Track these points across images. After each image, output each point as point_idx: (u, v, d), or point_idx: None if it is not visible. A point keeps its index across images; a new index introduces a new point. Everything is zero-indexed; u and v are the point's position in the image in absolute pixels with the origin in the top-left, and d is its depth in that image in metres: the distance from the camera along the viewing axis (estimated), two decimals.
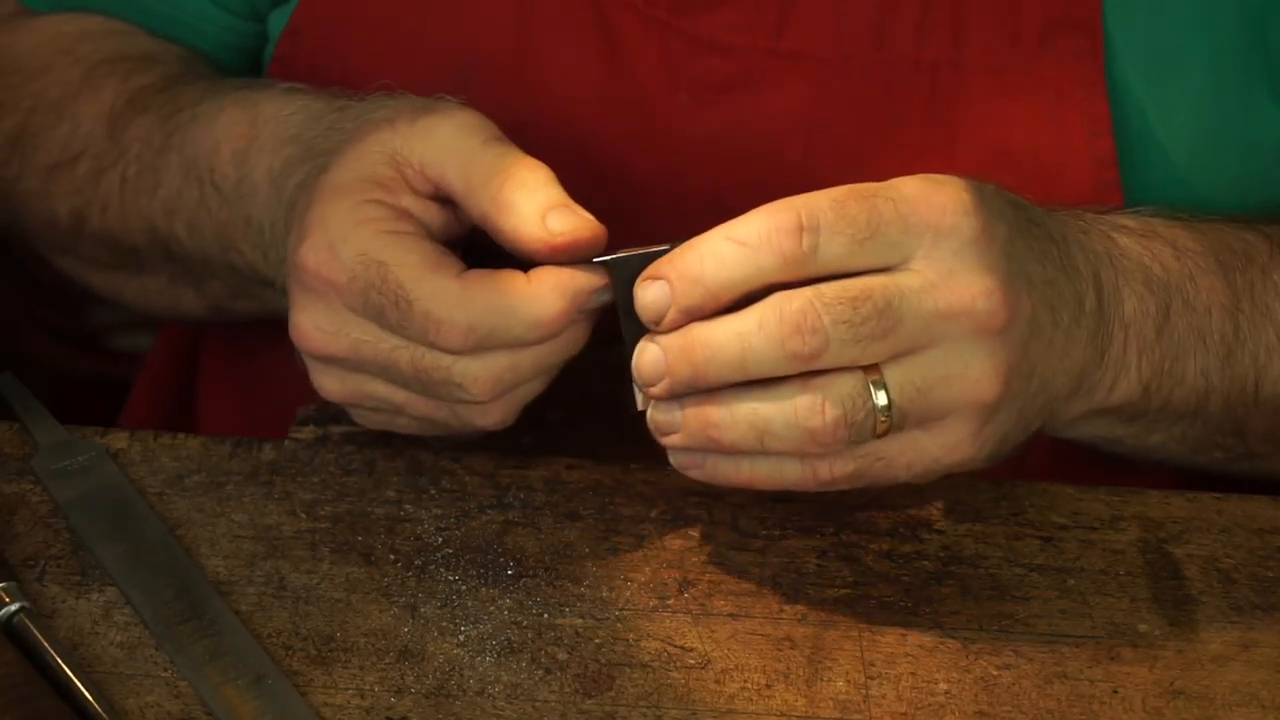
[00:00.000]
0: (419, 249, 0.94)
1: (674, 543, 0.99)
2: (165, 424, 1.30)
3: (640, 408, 0.94)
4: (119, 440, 1.03)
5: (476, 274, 0.94)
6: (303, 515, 1.00)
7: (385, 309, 0.93)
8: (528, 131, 1.03)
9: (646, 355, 0.92)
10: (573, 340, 0.96)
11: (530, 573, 0.97)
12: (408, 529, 0.99)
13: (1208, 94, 1.07)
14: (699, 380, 0.90)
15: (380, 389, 0.97)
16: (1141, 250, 1.01)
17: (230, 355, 1.28)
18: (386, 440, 1.05)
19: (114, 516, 0.98)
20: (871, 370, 0.90)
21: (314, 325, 0.95)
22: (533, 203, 0.93)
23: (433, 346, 0.93)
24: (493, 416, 0.97)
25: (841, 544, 0.99)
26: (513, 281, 0.93)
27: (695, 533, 1.00)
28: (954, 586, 0.97)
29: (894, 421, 0.90)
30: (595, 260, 0.94)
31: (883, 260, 0.90)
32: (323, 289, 0.94)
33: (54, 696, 0.88)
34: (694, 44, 1.08)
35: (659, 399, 0.92)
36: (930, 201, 0.91)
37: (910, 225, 0.90)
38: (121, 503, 0.99)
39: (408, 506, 1.00)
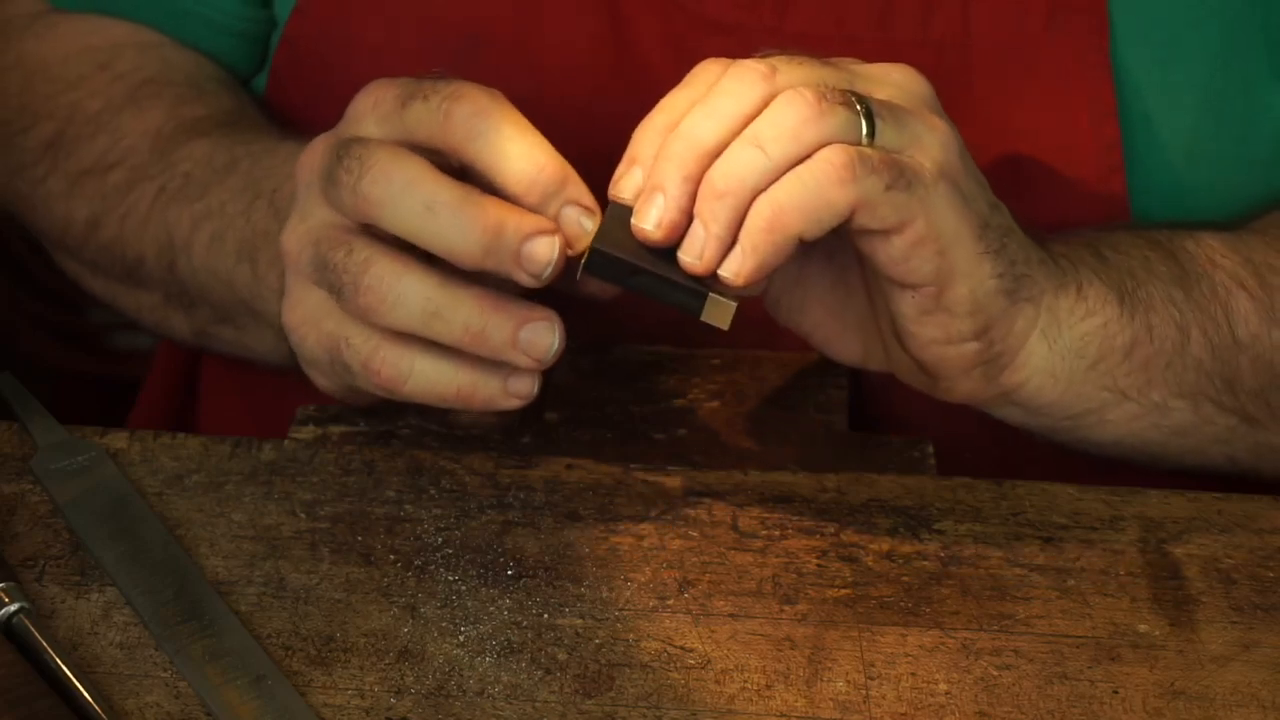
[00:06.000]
0: None
1: (674, 543, 0.99)
2: (173, 424, 1.30)
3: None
4: (119, 440, 1.03)
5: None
6: (303, 515, 1.00)
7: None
8: (530, 106, 1.02)
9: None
10: None
11: (530, 573, 0.97)
12: (408, 529, 0.99)
13: (1211, 77, 1.07)
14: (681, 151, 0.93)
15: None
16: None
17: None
18: (386, 440, 1.05)
19: (114, 516, 0.98)
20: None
21: None
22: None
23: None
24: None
25: (841, 544, 0.99)
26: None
27: (695, 533, 1.00)
28: (954, 586, 0.97)
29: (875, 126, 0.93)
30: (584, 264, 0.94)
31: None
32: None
33: (53, 697, 0.88)
34: (697, 21, 1.08)
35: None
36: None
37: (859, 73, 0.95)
38: (121, 503, 0.99)
39: (408, 506, 1.00)
